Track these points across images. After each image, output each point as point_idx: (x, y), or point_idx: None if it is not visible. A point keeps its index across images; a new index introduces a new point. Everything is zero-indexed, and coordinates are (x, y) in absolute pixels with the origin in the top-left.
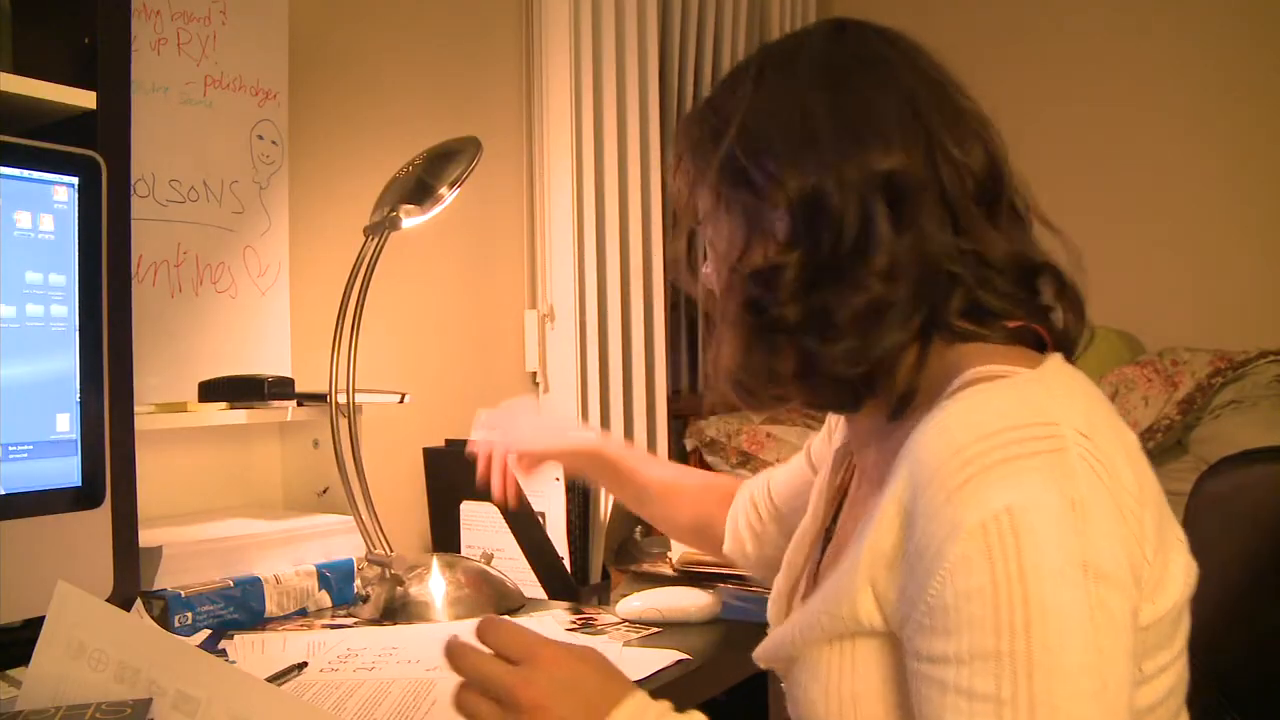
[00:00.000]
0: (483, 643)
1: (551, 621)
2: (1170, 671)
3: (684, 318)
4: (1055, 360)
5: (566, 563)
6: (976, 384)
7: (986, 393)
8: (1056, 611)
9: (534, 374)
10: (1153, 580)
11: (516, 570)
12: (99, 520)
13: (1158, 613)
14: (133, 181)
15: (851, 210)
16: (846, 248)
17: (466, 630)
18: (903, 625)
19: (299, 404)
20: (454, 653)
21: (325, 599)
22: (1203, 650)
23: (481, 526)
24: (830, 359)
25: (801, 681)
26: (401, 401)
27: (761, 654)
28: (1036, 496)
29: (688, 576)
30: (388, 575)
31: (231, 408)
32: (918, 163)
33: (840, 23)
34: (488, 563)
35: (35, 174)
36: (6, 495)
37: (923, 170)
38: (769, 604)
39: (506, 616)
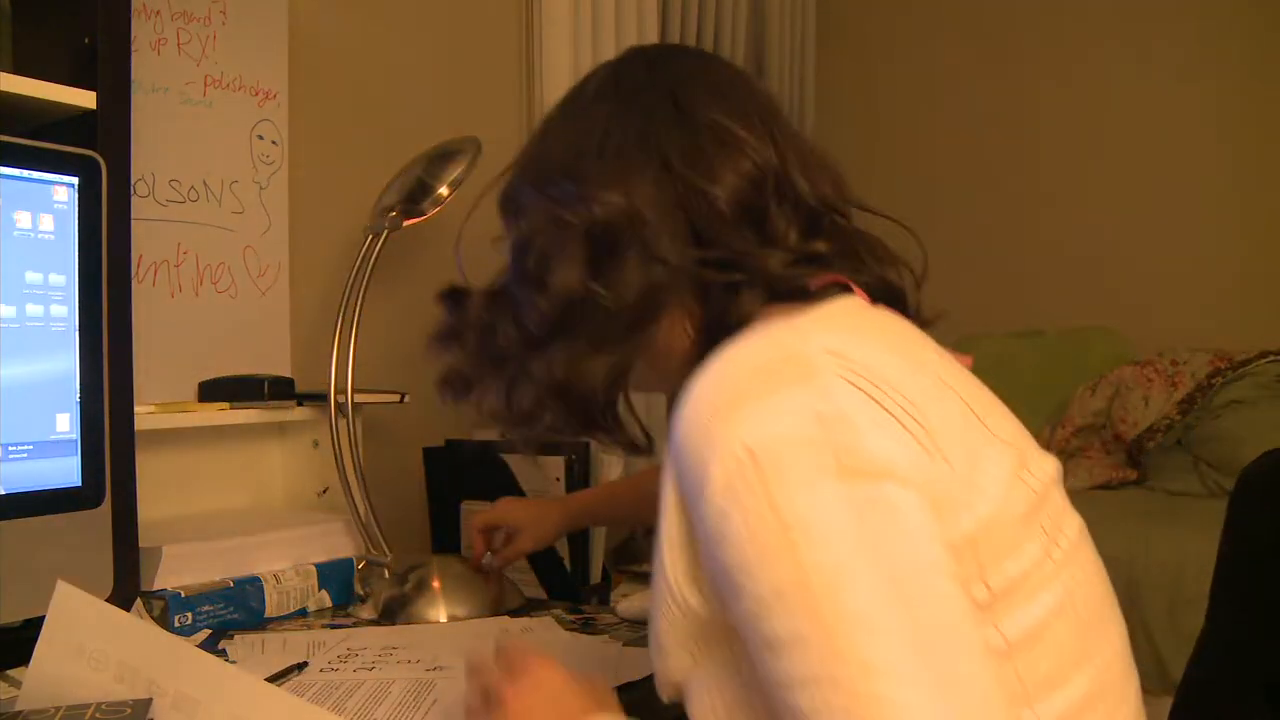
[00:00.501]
0: (496, 662)
1: (551, 621)
2: (1043, 598)
3: None
4: (831, 303)
5: (566, 563)
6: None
7: (725, 350)
8: (819, 527)
9: None
10: (961, 482)
11: (516, 570)
12: (99, 520)
13: (984, 516)
14: (133, 181)
15: (577, 244)
16: (580, 279)
17: (471, 634)
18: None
19: (299, 404)
20: (472, 668)
21: (325, 599)
22: (1248, 649)
23: None
24: (594, 390)
25: (692, 708)
26: (401, 401)
27: (660, 686)
28: (775, 424)
29: None
30: (388, 575)
31: (231, 408)
32: (648, 190)
33: (627, 52)
34: (488, 562)
35: (35, 174)
36: (6, 495)
37: (656, 196)
38: None
39: (505, 615)
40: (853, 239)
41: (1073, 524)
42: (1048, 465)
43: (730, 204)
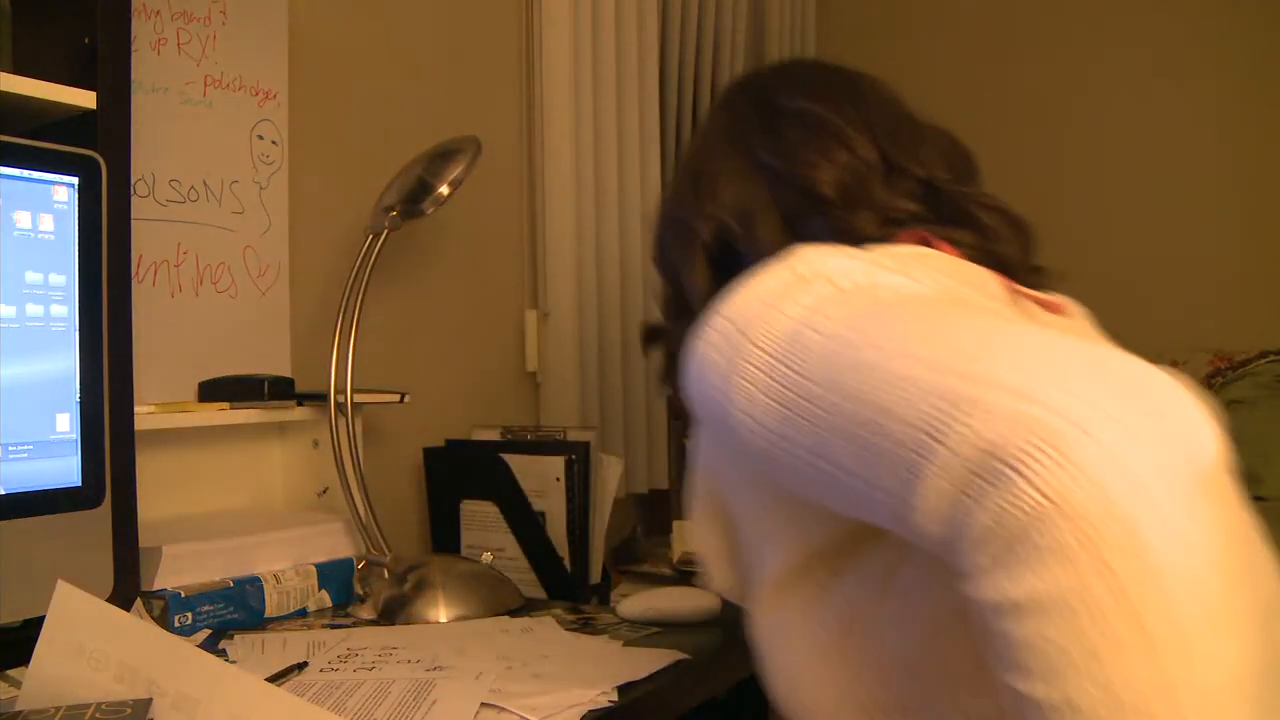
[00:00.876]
0: None
1: (551, 622)
2: None
3: None
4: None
5: (566, 563)
6: None
7: None
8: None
9: (534, 374)
10: None
11: (516, 570)
12: (99, 520)
13: None
14: (133, 181)
15: (698, 255)
16: (708, 285)
17: (471, 634)
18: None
19: (299, 404)
20: None
21: (325, 599)
22: None
23: (481, 526)
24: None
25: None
26: (401, 401)
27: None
28: (750, 289)
29: (687, 576)
30: (387, 575)
31: (231, 408)
32: (742, 189)
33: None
34: (488, 563)
35: (35, 174)
36: (6, 495)
37: (750, 192)
38: None
39: (506, 615)
40: (960, 207)
41: None
42: None
43: (830, 185)
